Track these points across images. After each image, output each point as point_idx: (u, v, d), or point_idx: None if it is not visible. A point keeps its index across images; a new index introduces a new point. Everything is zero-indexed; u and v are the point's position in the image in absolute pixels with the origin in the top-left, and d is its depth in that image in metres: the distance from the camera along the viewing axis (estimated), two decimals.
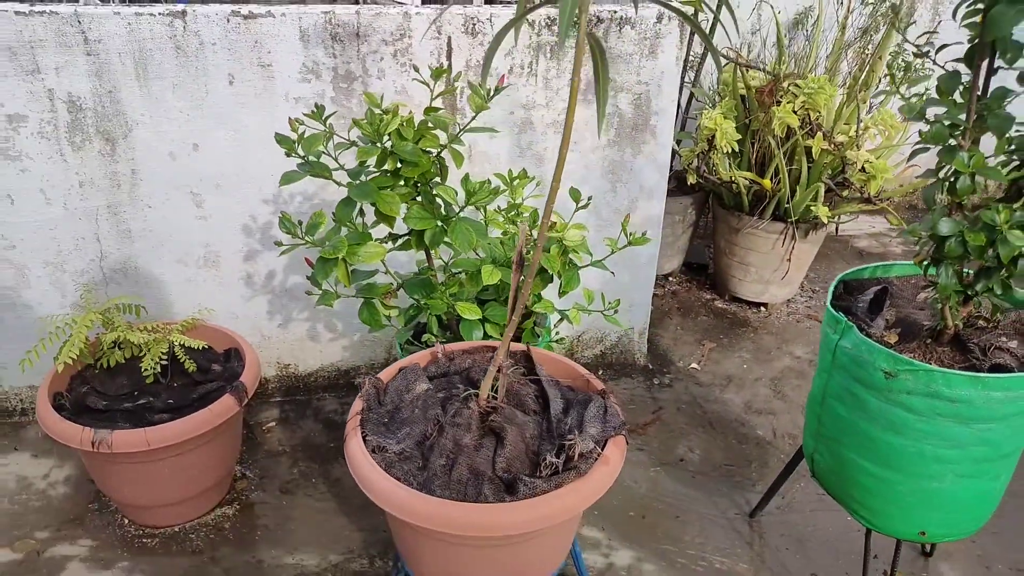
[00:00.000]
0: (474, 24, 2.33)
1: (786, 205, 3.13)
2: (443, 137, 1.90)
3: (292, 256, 2.58)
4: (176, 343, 2.17)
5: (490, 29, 2.34)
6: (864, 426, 1.73)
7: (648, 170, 2.68)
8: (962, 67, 1.45)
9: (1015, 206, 1.36)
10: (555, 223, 1.95)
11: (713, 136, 3.00)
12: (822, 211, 3.03)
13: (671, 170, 3.02)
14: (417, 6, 2.34)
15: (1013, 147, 1.40)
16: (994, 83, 1.44)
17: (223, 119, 2.31)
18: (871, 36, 3.34)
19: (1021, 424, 1.66)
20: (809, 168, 3.06)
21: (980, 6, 1.25)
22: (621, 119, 2.59)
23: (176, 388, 2.20)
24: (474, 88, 1.80)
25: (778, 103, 2.99)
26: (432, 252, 1.99)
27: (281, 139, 1.66)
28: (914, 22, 3.95)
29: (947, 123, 1.36)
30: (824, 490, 1.95)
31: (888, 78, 3.25)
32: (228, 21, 2.19)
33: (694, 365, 3.10)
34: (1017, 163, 1.48)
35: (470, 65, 2.39)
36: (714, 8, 3.22)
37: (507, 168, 2.56)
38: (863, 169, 2.94)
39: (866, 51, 3.28)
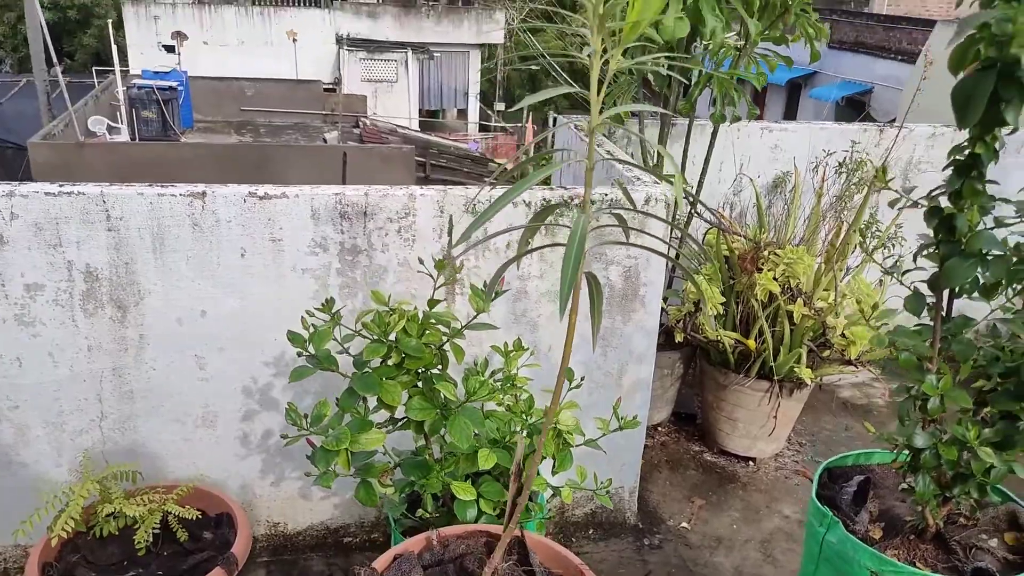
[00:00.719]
0: (474, 205, 2.49)
1: (770, 364, 3.23)
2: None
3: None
4: (170, 512, 2.18)
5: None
6: None
7: (637, 336, 2.79)
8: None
9: (986, 423, 1.45)
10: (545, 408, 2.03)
11: (699, 300, 3.13)
12: (805, 372, 3.13)
13: (660, 325, 3.14)
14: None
15: (979, 366, 1.51)
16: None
17: (232, 288, 2.42)
18: (846, 203, 3.55)
19: None
20: (791, 331, 3.18)
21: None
22: (612, 290, 2.71)
23: (166, 558, 2.20)
24: (475, 291, 1.91)
25: (760, 269, 3.14)
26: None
27: (293, 336, 1.75)
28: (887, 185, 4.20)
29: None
30: None
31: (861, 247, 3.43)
32: (244, 201, 2.33)
33: (684, 524, 3.11)
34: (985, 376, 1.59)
35: (468, 242, 2.53)
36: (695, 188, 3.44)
37: (502, 333, 2.66)
38: (843, 335, 3.06)
39: (841, 217, 3.48)
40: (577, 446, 2.09)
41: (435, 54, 23.30)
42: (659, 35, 2.73)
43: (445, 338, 1.93)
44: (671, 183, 3.42)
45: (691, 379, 3.92)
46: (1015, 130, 1.31)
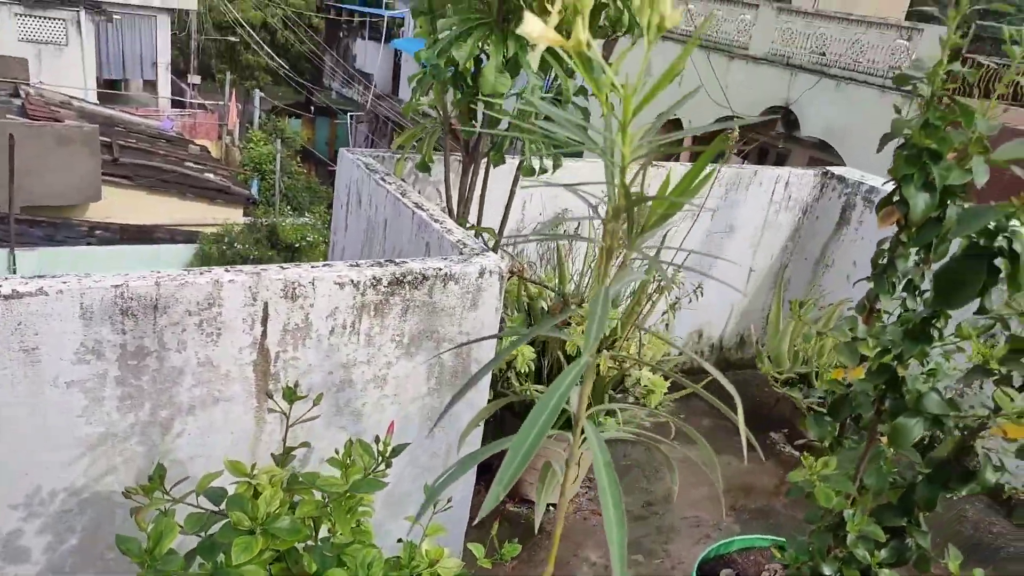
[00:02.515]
0: (295, 288, 2.10)
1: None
2: None
3: None
4: None
5: (312, 293, 2.12)
6: None
7: (467, 414, 2.60)
8: None
9: (882, 552, 1.52)
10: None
11: (512, 360, 3.03)
12: (610, 423, 3.19)
13: None
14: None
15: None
16: None
17: None
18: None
19: None
20: (594, 383, 3.22)
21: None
22: (442, 368, 2.49)
23: None
24: (288, 391, 1.58)
25: (568, 323, 3.12)
26: None
27: (125, 545, 1.28)
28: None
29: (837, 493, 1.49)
30: None
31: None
32: None
33: None
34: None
35: (287, 329, 2.13)
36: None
37: (322, 426, 2.31)
38: (644, 385, 3.16)
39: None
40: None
41: (114, 15, 20.44)
42: (480, 88, 2.54)
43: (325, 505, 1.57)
44: (481, 234, 3.27)
45: (495, 431, 3.82)
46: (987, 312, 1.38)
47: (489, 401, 3.22)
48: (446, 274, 2.34)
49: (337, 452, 2.13)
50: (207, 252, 12.43)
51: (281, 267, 2.11)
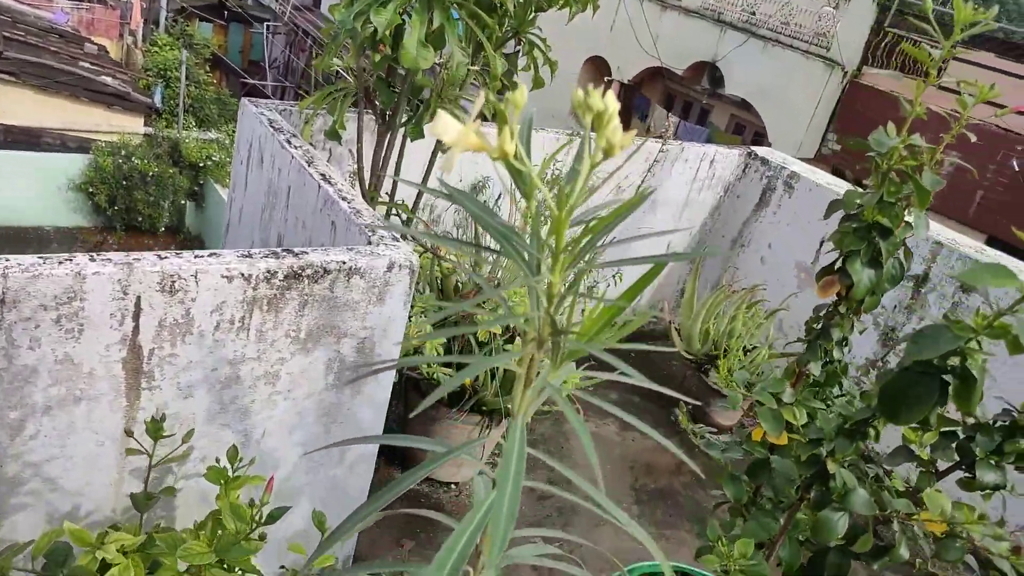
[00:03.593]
0: (173, 282, 1.86)
1: (483, 400, 3.13)
2: None
3: None
4: None
5: (194, 287, 1.89)
6: None
7: (365, 410, 2.44)
8: None
9: None
10: None
11: (421, 347, 2.87)
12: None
13: None
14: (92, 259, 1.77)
15: None
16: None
17: None
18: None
19: None
20: (506, 369, 3.10)
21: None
22: (342, 363, 2.30)
23: None
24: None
25: (480, 304, 2.98)
26: None
27: None
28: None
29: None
30: None
31: None
32: None
33: None
34: None
35: (164, 324, 1.90)
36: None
37: (203, 424, 2.10)
38: None
39: None
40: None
41: None
42: (400, 61, 2.30)
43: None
44: (399, 214, 3.04)
45: (397, 417, 3.68)
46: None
47: (394, 385, 3.07)
48: (351, 268, 2.13)
49: (218, 460, 1.95)
50: (101, 164, 11.52)
51: (158, 256, 1.86)
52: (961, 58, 12.45)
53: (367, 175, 2.84)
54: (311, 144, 2.81)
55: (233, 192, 3.24)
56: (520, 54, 2.82)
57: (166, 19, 21.81)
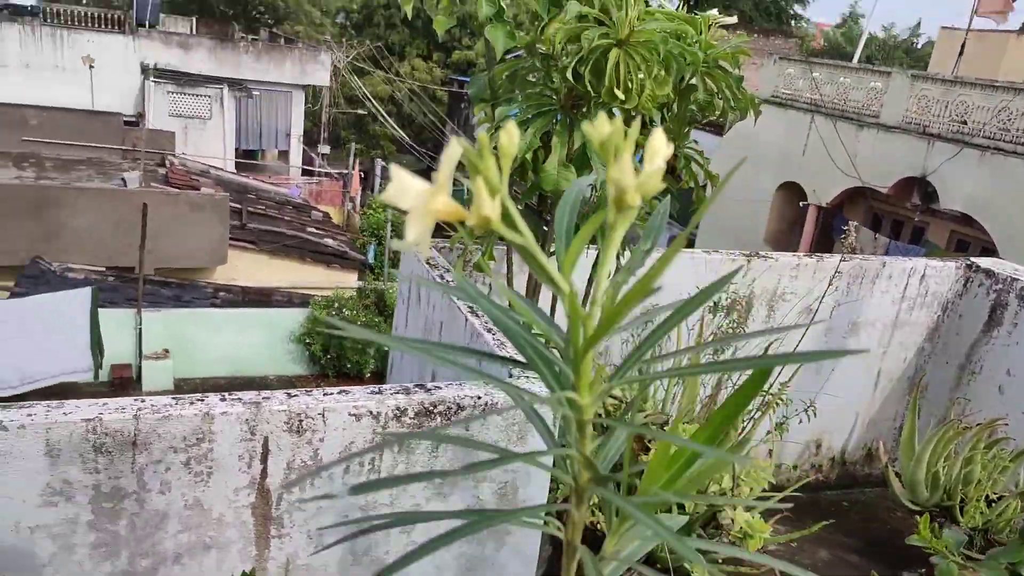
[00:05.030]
0: (300, 421, 1.79)
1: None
2: None
3: None
4: None
5: (322, 426, 1.81)
6: None
7: (513, 564, 2.19)
8: None
9: None
10: None
11: None
12: (697, 570, 2.68)
13: None
14: None
15: None
16: None
17: None
18: (720, 353, 3.20)
19: None
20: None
21: None
22: (482, 506, 2.10)
23: None
24: None
25: (647, 449, 2.67)
26: None
27: None
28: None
29: None
30: None
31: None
32: None
33: None
34: None
35: (292, 467, 1.82)
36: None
37: None
38: (740, 527, 2.64)
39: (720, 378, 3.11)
40: None
41: (254, 92, 21.85)
42: (541, 183, 2.20)
43: None
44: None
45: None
46: None
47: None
48: (486, 403, 1.97)
49: None
50: (317, 317, 12.65)
51: (287, 394, 1.81)
52: None
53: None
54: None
55: (395, 331, 3.26)
56: (678, 171, 2.64)
57: (380, 185, 24.36)
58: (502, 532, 2.14)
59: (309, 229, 16.69)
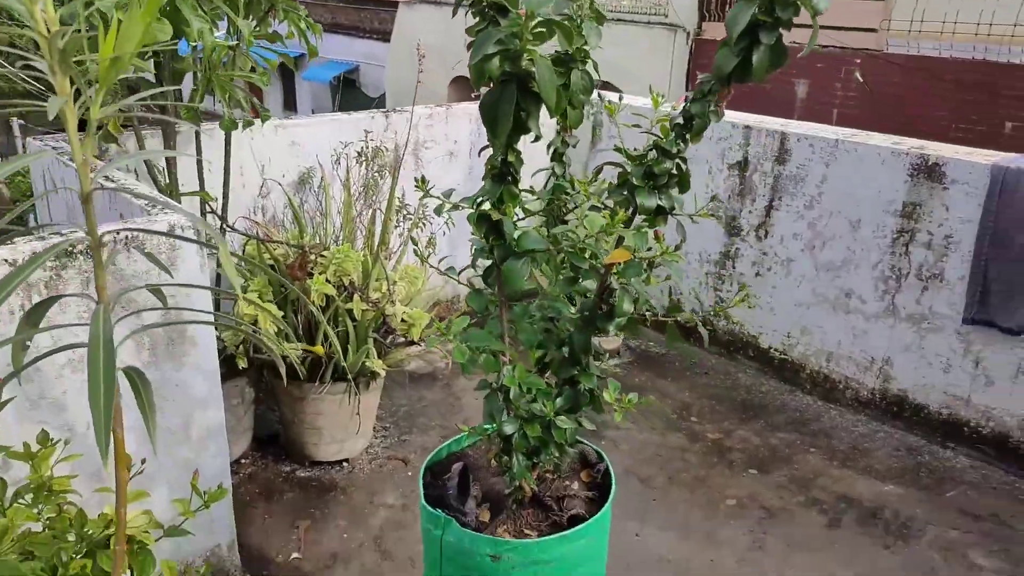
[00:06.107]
0: None
1: (343, 365, 3.18)
2: None
3: None
4: None
5: None
6: None
7: (196, 380, 2.46)
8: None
9: (558, 401, 1.58)
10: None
11: (256, 319, 2.91)
12: (377, 364, 3.16)
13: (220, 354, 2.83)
14: None
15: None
16: None
17: None
18: (373, 192, 3.64)
19: (597, 556, 1.92)
20: (355, 327, 3.17)
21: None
22: (153, 337, 2.33)
23: None
24: None
25: (311, 274, 3.04)
26: None
27: None
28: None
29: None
30: None
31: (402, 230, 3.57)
32: None
33: (296, 555, 2.92)
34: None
35: None
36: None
37: (14, 424, 2.10)
38: (403, 320, 3.15)
39: (372, 206, 3.55)
40: (157, 540, 1.75)
41: None
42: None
43: None
44: (205, 201, 3.09)
45: (264, 400, 3.69)
46: (538, 138, 1.42)
47: (243, 369, 3.09)
48: (126, 237, 2.18)
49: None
50: None
51: None
52: None
53: (157, 173, 2.89)
54: (95, 157, 2.85)
55: None
56: (278, 22, 2.92)
57: None
58: (179, 354, 2.40)
59: None
